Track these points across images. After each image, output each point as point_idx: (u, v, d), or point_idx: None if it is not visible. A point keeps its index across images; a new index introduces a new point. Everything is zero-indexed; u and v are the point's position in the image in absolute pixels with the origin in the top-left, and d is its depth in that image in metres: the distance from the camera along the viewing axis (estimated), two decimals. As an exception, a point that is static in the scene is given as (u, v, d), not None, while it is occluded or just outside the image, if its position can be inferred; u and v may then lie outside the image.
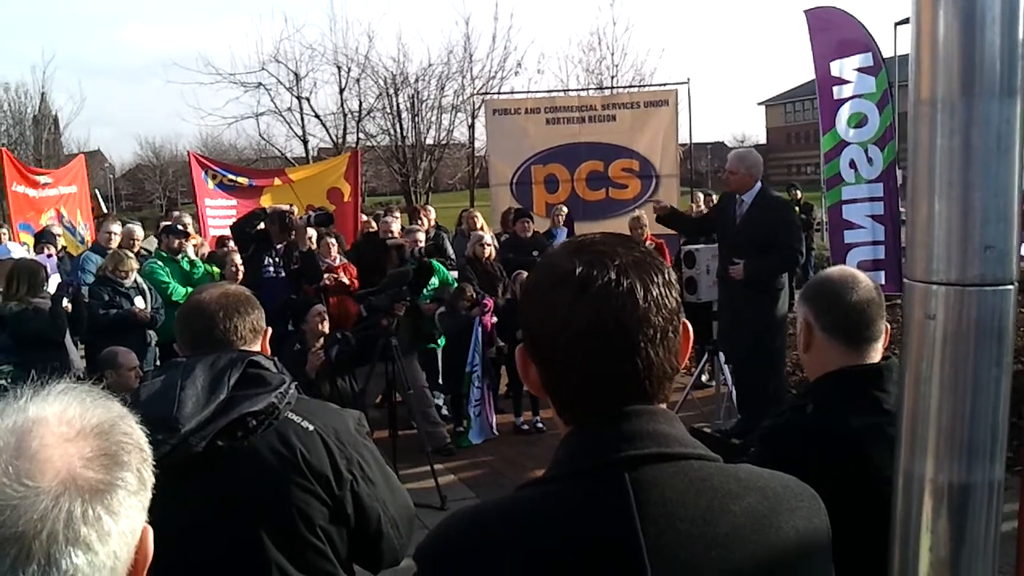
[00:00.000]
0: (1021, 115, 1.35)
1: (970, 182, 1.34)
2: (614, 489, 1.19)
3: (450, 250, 10.36)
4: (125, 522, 1.03)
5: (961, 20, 1.32)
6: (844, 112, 8.78)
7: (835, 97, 8.85)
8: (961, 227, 1.35)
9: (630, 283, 1.23)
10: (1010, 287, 1.36)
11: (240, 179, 13.18)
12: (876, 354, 2.37)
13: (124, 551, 1.03)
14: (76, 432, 1.03)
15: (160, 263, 8.92)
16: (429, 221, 11.18)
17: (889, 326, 2.46)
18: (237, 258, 8.52)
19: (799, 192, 17.72)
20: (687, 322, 1.32)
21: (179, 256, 9.11)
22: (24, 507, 0.95)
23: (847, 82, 8.75)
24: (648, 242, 9.89)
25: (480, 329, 8.34)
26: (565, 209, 11.34)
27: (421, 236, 9.24)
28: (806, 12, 9.07)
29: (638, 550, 1.16)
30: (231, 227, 9.03)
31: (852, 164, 8.74)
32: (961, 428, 1.39)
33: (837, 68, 8.80)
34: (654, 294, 1.24)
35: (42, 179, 13.55)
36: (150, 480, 1.10)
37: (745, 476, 1.28)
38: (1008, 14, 1.30)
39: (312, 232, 9.15)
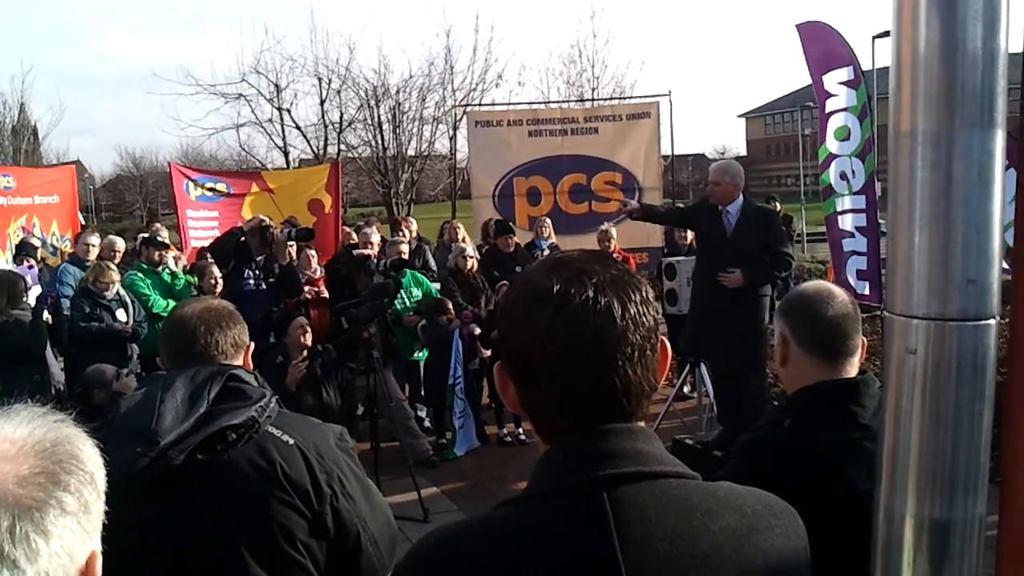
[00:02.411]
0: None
1: (952, 215, 1.32)
2: (593, 508, 1.19)
3: (432, 262, 10.34)
4: (58, 542, 1.02)
5: (942, 51, 1.30)
6: (832, 124, 8.87)
7: (827, 110, 8.94)
8: (942, 261, 1.33)
9: (608, 301, 1.24)
10: (991, 321, 1.34)
11: (219, 186, 13.10)
12: (853, 368, 2.38)
13: (59, 573, 1.02)
14: (17, 450, 1.04)
15: (141, 275, 8.87)
16: (411, 233, 11.17)
17: (866, 340, 2.48)
18: (216, 270, 8.48)
19: (778, 204, 17.80)
20: (665, 339, 1.33)
21: (160, 268, 9.07)
22: None
23: (833, 95, 8.83)
24: (616, 255, 9.95)
25: (460, 341, 8.34)
26: (549, 221, 11.34)
27: (404, 248, 9.22)
28: (797, 27, 9.15)
29: (617, 569, 1.16)
30: (208, 249, 8.99)
31: (843, 176, 8.82)
32: (942, 463, 1.37)
33: (827, 81, 8.89)
34: (631, 312, 1.25)
35: (3, 181, 13.30)
36: (96, 504, 1.10)
37: (724, 494, 1.28)
38: (989, 44, 1.29)
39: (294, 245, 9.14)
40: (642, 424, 1.30)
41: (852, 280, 8.54)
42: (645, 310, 1.27)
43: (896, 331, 1.41)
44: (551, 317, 1.23)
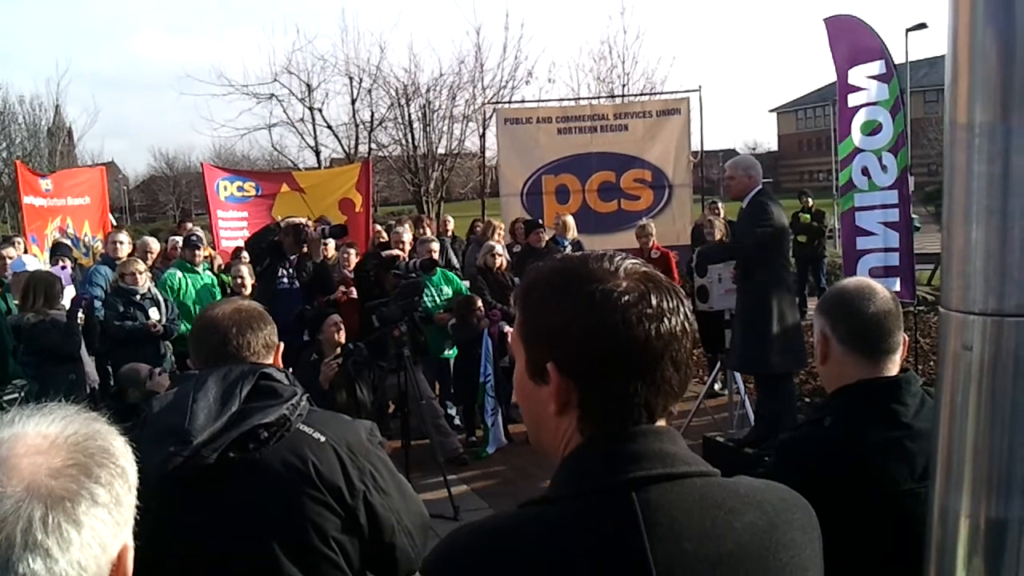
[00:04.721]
0: None
1: (1010, 210, 1.29)
2: (623, 510, 1.20)
3: (454, 259, 10.32)
4: (89, 533, 1.04)
5: (1000, 42, 1.28)
6: (859, 119, 8.76)
7: (849, 105, 8.83)
8: (999, 255, 1.31)
9: (661, 302, 1.25)
10: None
11: (247, 185, 13.17)
12: (894, 366, 2.34)
13: (91, 563, 1.05)
14: (49, 444, 1.07)
15: (181, 274, 9.06)
16: (446, 232, 11.16)
17: (907, 337, 2.44)
18: (244, 270, 8.53)
19: (811, 199, 17.63)
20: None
21: (199, 266, 9.20)
22: None
23: (862, 89, 8.72)
24: (655, 251, 9.92)
25: (489, 340, 8.34)
26: (571, 218, 11.21)
27: (435, 247, 9.22)
28: (825, 21, 9.05)
29: (648, 571, 1.17)
30: (246, 243, 9.07)
31: (865, 171, 8.70)
32: (999, 462, 1.35)
33: (853, 76, 8.78)
34: (683, 314, 1.27)
35: (43, 184, 13.50)
36: (127, 498, 1.12)
37: (744, 491, 1.29)
38: None
39: (332, 243, 9.18)
40: (663, 422, 1.30)
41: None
42: (689, 313, 1.29)
43: (952, 327, 1.39)
44: (610, 313, 1.23)
